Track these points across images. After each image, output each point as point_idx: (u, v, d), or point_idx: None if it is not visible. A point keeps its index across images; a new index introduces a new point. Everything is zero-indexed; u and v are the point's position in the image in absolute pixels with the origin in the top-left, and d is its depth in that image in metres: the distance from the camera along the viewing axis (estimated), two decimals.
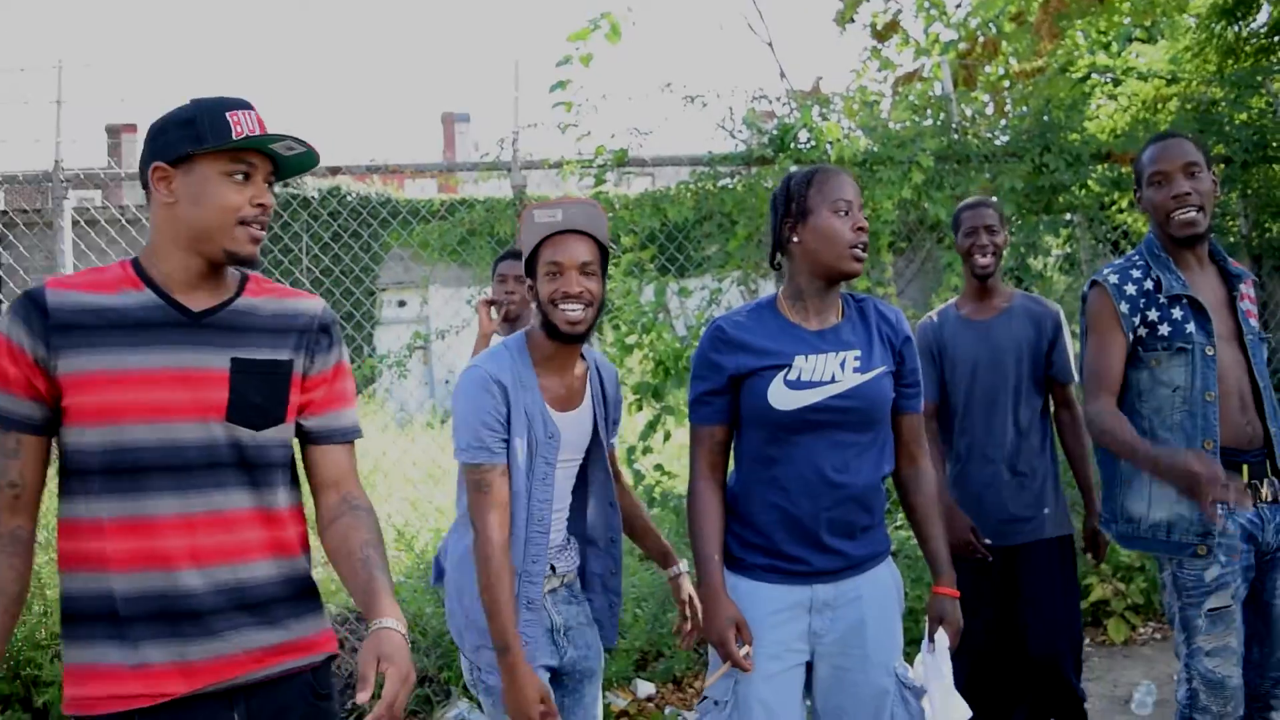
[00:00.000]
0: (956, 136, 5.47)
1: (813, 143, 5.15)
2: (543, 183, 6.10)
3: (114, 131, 18.36)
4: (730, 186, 5.27)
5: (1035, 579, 3.30)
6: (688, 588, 2.59)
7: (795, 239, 2.30)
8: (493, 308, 3.80)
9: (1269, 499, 2.65)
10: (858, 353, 2.28)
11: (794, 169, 5.05)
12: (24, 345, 1.64)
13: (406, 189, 15.36)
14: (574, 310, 2.27)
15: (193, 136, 1.68)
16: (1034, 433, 3.33)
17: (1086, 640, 5.18)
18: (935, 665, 2.28)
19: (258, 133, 1.71)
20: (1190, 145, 2.71)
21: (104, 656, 1.66)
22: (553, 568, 2.41)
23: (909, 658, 2.43)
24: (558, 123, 5.03)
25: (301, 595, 1.83)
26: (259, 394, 1.76)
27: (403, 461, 6.68)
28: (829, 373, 2.24)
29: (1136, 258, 2.78)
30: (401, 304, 14.59)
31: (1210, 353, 2.62)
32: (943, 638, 2.30)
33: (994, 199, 3.57)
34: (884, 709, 2.28)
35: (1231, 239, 5.96)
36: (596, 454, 2.49)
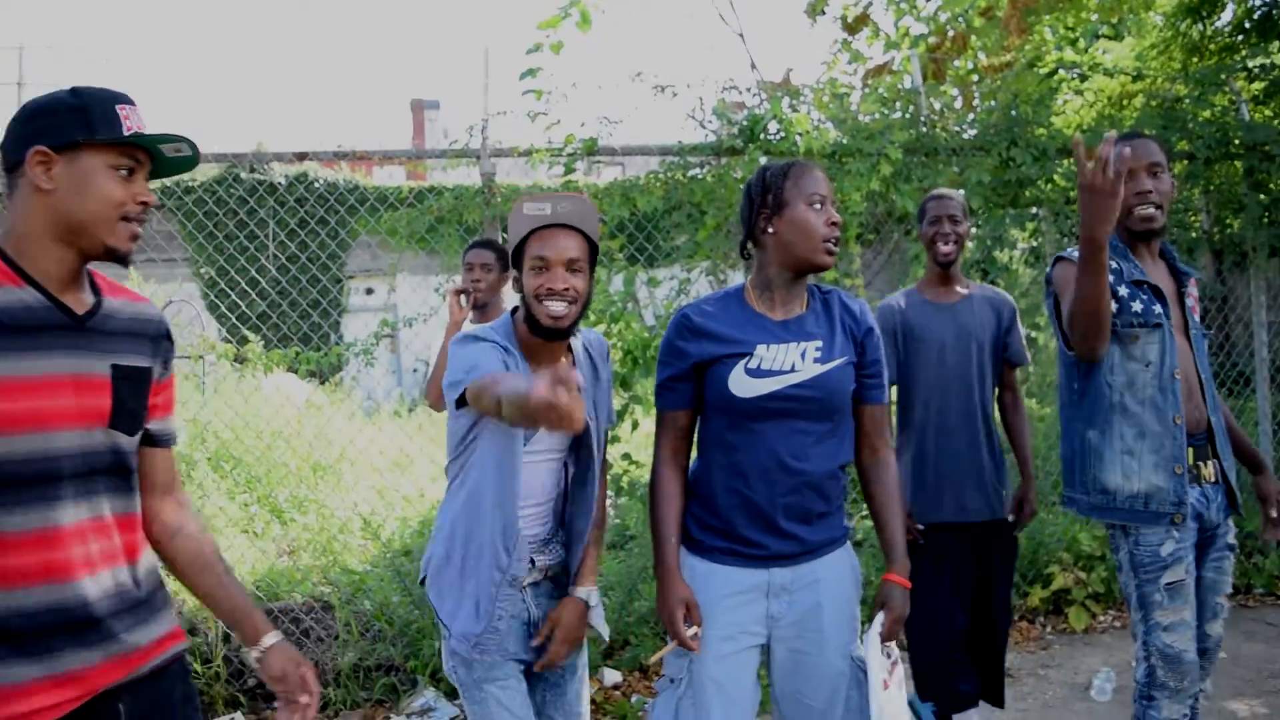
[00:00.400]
0: (925, 129, 5.50)
1: (782, 134, 5.16)
2: (512, 171, 6.08)
3: None
4: (700, 177, 5.26)
5: (1005, 553, 3.55)
6: (568, 615, 2.38)
7: (770, 230, 2.33)
8: (461, 296, 3.80)
9: (1212, 479, 2.83)
10: (819, 343, 2.32)
11: (764, 160, 5.07)
12: None
13: (375, 176, 15.25)
14: (557, 306, 2.22)
15: (85, 125, 1.64)
16: (992, 414, 3.53)
17: (1048, 628, 5.26)
18: (872, 652, 2.29)
19: (145, 130, 1.70)
20: (1155, 146, 2.82)
21: None
22: (533, 561, 2.38)
23: None
24: (528, 111, 5.01)
25: (160, 588, 1.86)
26: (134, 400, 1.77)
27: (369, 450, 6.66)
28: (789, 362, 2.29)
29: None
30: (369, 291, 14.49)
31: (1174, 333, 2.76)
32: (878, 624, 2.31)
33: (959, 191, 3.65)
34: (840, 691, 2.33)
35: (1193, 234, 6.05)
36: (585, 451, 2.41)
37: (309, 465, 6.45)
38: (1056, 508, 5.59)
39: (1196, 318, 2.90)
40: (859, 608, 2.45)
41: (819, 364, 2.30)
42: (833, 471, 2.34)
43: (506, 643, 2.33)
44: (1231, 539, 2.89)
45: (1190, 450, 2.78)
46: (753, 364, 2.28)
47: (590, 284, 2.31)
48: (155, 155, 1.75)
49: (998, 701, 3.59)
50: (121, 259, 1.72)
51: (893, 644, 2.35)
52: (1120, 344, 2.76)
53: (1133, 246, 2.85)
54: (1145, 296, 2.76)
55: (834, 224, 2.30)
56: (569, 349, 2.40)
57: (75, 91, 1.68)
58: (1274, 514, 2.93)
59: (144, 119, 1.71)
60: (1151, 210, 2.77)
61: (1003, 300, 3.57)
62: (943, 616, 3.42)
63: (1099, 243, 2.46)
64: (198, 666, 4.27)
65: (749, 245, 2.42)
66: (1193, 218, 6.19)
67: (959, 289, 3.54)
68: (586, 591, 2.40)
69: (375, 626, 4.59)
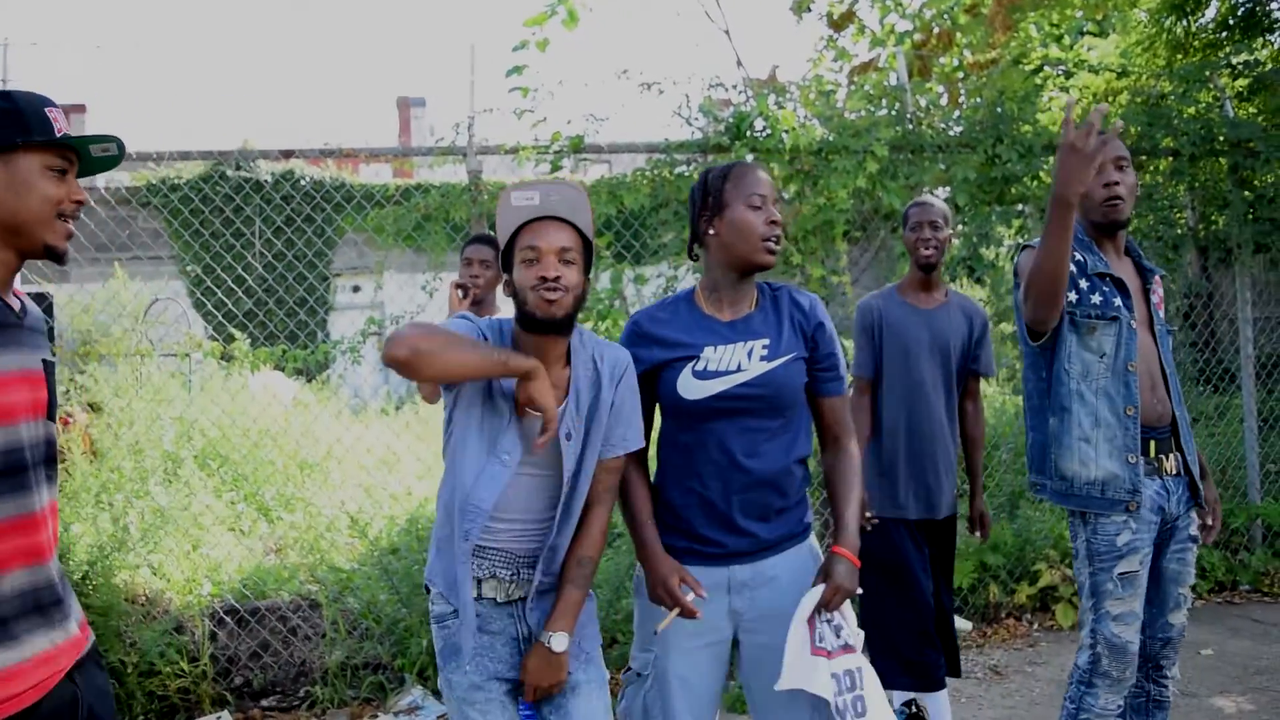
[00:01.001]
0: (911, 127, 5.50)
1: (768, 131, 5.16)
2: (498, 168, 6.06)
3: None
4: (686, 174, 5.26)
5: (949, 547, 3.74)
6: (533, 662, 2.23)
7: (712, 232, 2.37)
8: (460, 290, 3.78)
9: (1174, 472, 2.89)
10: (766, 341, 2.35)
11: (751, 158, 5.08)
12: None
13: (361, 173, 15.18)
14: (551, 293, 2.12)
15: (20, 127, 1.71)
16: (954, 418, 3.67)
17: (1035, 625, 5.28)
18: (800, 612, 2.26)
19: (70, 131, 1.76)
20: (1120, 143, 2.92)
21: None
22: (518, 574, 2.26)
23: None
24: (514, 108, 5.00)
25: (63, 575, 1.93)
26: (54, 392, 1.85)
27: (356, 448, 6.63)
28: (735, 362, 2.31)
29: None
30: (356, 289, 14.41)
31: (1134, 326, 2.84)
32: (818, 590, 2.28)
33: (940, 199, 3.73)
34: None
35: (1179, 231, 6.07)
36: (571, 476, 2.24)
37: (296, 463, 6.42)
38: (1044, 504, 5.61)
39: (1161, 314, 2.97)
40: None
41: (765, 362, 2.32)
42: (787, 467, 2.36)
43: (486, 660, 2.24)
44: (1194, 530, 2.94)
45: (1153, 443, 2.85)
46: (699, 366, 2.31)
47: (584, 279, 2.22)
48: (81, 154, 1.82)
49: (955, 672, 3.75)
50: (58, 257, 1.79)
51: (844, 624, 2.30)
52: (1077, 333, 2.84)
53: (1098, 241, 2.93)
54: (1106, 289, 2.84)
55: (773, 223, 2.33)
56: (568, 361, 2.26)
57: (4, 95, 1.74)
58: (1209, 521, 2.98)
59: (66, 121, 1.78)
60: (1118, 202, 2.86)
61: (976, 311, 3.71)
62: (917, 597, 3.56)
63: (1069, 202, 2.55)
64: (184, 665, 4.25)
65: (695, 247, 2.45)
66: (1178, 214, 6.21)
67: (938, 295, 3.68)
68: (549, 636, 2.21)
69: (362, 625, 4.58)
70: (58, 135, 1.74)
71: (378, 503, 5.98)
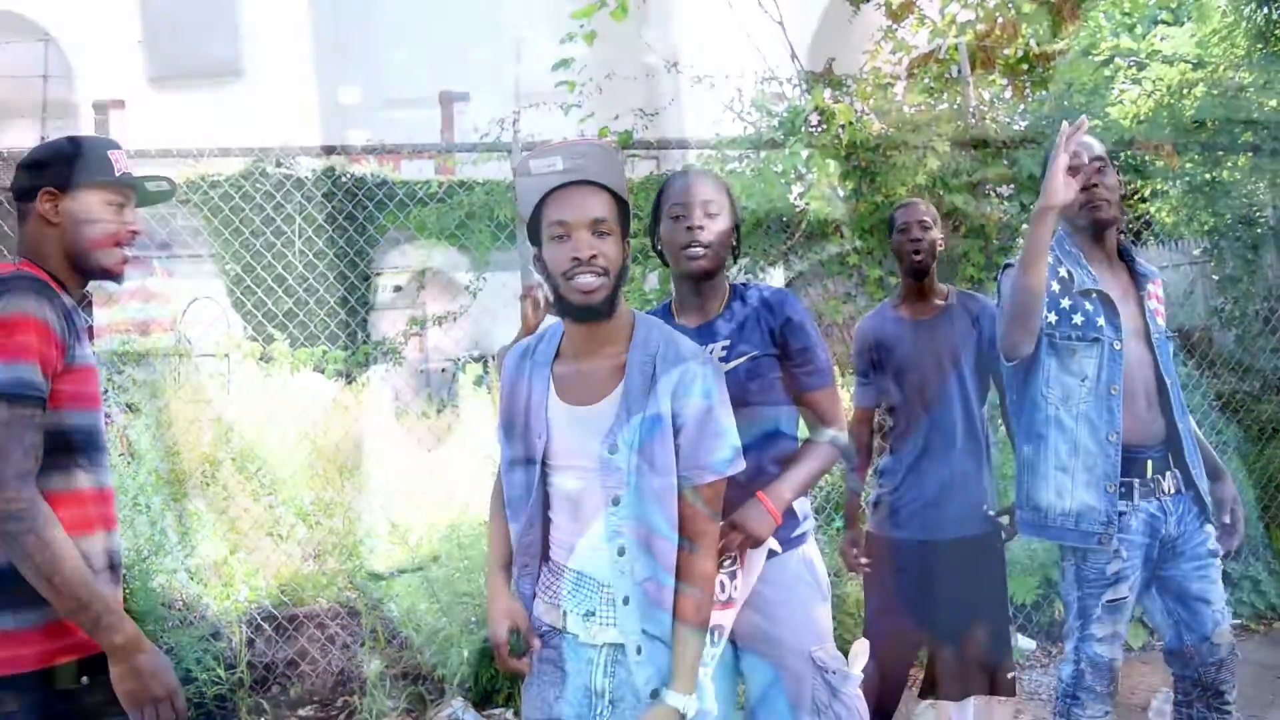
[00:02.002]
0: (974, 121, 5.34)
1: (824, 126, 5.01)
2: None
3: (101, 108, 18.33)
4: (739, 170, 5.14)
5: (991, 566, 3.43)
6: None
7: (658, 247, 2.51)
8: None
9: (1171, 491, 2.81)
10: (725, 343, 2.38)
11: (805, 154, 4.93)
12: (54, 328, 1.89)
13: (403, 170, 15.21)
14: (586, 279, 1.92)
15: (84, 169, 2.05)
16: (979, 426, 3.41)
17: None
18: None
19: (131, 171, 2.11)
20: (1098, 144, 2.87)
21: None
22: (591, 613, 2.03)
23: (844, 646, 2.50)
24: (560, 103, 4.93)
25: None
26: None
27: (397, 453, 6.60)
28: None
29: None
30: (397, 289, 14.44)
31: (1118, 347, 2.76)
32: None
33: (926, 201, 3.58)
34: (804, 693, 2.32)
35: (1259, 230, 5.92)
36: (641, 491, 1.97)
37: (335, 467, 6.39)
38: None
39: (1161, 321, 2.88)
40: (824, 607, 2.45)
41: (722, 363, 2.33)
42: (762, 466, 2.32)
43: (552, 696, 2.05)
44: (1212, 544, 2.84)
45: (1149, 463, 2.78)
46: None
47: (623, 250, 2.00)
48: (138, 189, 2.15)
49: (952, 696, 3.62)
50: (116, 278, 2.13)
51: (738, 576, 2.26)
52: (1057, 356, 2.79)
53: (1087, 249, 2.85)
54: (1090, 309, 2.76)
55: (691, 229, 2.36)
56: (629, 343, 2.04)
57: (73, 140, 2.10)
58: (1226, 520, 2.89)
59: (127, 161, 2.12)
60: (1099, 202, 2.80)
61: (984, 306, 3.43)
62: (886, 626, 3.41)
63: (1043, 208, 2.59)
64: (221, 672, 4.21)
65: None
66: (1258, 213, 6.01)
67: (936, 301, 3.43)
68: (680, 700, 1.91)
69: (402, 634, 4.54)
70: (117, 175, 2.07)
71: (418, 508, 5.91)
